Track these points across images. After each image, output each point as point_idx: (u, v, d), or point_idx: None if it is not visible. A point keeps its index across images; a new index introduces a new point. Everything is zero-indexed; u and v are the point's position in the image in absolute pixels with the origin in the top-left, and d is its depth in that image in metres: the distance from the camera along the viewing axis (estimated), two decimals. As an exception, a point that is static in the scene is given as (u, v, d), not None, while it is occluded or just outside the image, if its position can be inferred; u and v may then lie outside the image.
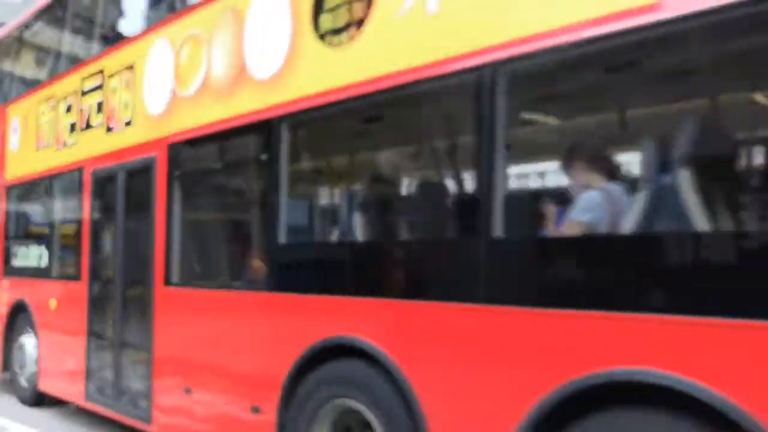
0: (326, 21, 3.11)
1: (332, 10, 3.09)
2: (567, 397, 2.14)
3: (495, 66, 2.38)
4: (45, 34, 6.38)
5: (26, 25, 6.38)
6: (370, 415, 2.87)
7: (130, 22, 5.06)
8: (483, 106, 2.42)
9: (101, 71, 5.10)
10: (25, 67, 6.61)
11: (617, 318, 2.10)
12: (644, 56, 2.41)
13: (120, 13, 5.26)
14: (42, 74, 6.09)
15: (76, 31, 5.79)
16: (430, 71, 2.61)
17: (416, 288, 2.72)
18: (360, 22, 2.93)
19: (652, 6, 2.06)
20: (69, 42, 5.96)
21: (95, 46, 5.46)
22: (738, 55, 2.30)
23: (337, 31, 3.02)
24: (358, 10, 2.95)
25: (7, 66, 6.62)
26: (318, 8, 3.17)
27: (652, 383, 1.98)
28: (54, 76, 5.95)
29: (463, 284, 2.44)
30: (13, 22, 6.86)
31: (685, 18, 1.96)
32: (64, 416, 5.74)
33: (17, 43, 6.65)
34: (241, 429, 3.45)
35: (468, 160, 2.59)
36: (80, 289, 5.16)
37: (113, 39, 5.17)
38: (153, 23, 4.55)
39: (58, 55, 6.07)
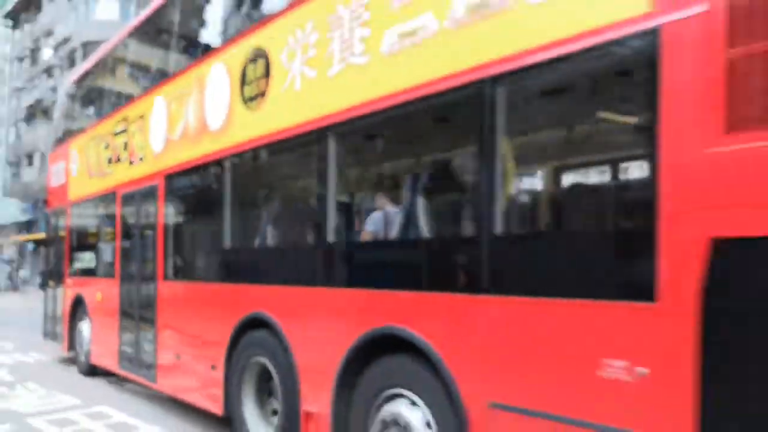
0: (247, 92, 4.69)
1: (250, 84, 4.67)
2: (362, 344, 3.47)
3: (328, 129, 3.86)
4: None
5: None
6: (270, 366, 4.42)
7: (145, 81, 6.87)
8: (323, 156, 3.88)
9: (126, 118, 6.89)
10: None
11: (385, 293, 3.42)
12: (392, 130, 3.83)
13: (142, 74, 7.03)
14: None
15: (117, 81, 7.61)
16: (296, 130, 4.13)
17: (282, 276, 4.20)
18: (263, 94, 4.49)
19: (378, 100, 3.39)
20: (109, 92, 7.82)
21: (123, 100, 7.26)
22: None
23: (252, 99, 4.55)
24: (262, 85, 4.52)
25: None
26: (243, 82, 4.75)
27: (397, 335, 3.30)
28: (98, 120, 7.82)
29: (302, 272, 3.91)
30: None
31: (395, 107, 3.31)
32: (110, 383, 7.71)
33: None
34: (206, 382, 4.98)
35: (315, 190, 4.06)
36: (114, 284, 6.97)
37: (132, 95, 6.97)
38: (155, 85, 6.28)
39: (100, 102, 7.91)
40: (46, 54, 41.09)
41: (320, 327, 3.79)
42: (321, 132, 3.81)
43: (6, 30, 53.58)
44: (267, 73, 4.28)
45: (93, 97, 8.20)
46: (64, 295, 8.38)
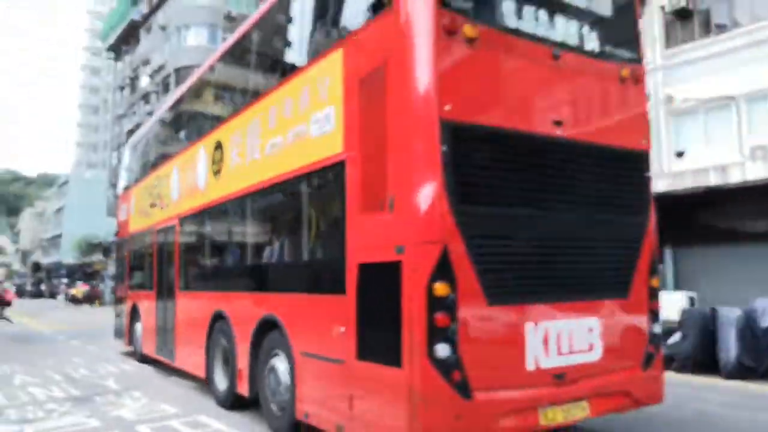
0: (214, 167, 7.57)
1: (215, 162, 7.66)
2: (260, 325, 6.21)
3: (246, 196, 6.52)
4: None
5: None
6: (224, 343, 7.24)
7: (167, 153, 10.12)
8: (244, 211, 6.75)
9: (158, 176, 10.11)
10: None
11: (270, 294, 6.07)
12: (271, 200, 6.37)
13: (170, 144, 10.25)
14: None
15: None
16: (234, 194, 6.71)
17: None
18: (220, 170, 7.39)
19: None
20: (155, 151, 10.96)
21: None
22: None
23: (216, 172, 7.32)
24: (220, 164, 7.50)
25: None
26: (212, 161, 7.71)
27: (269, 319, 5.82)
28: (144, 176, 11.08)
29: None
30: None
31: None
32: (158, 369, 10.58)
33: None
34: (199, 357, 7.77)
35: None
36: (152, 295, 10.19)
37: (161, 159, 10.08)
38: (175, 154, 9.25)
39: (147, 162, 11.10)
40: (144, 81, 45.48)
41: (242, 316, 6.53)
42: (243, 197, 6.66)
43: (109, 62, 60.50)
44: (222, 157, 7.21)
45: (142, 158, 11.59)
46: (126, 305, 11.56)
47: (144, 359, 10.90)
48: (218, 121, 7.56)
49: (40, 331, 17.54)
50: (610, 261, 5.20)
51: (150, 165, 10.71)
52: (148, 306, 10.35)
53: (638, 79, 5.57)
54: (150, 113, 40.20)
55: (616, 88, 5.43)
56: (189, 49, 37.95)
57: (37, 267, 73.73)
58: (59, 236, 65.62)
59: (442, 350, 4.13)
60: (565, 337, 4.84)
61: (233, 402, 6.80)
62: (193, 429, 6.30)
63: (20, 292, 50.60)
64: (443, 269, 4.14)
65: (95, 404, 7.64)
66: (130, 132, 45.26)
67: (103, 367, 10.53)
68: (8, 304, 22.04)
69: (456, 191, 4.21)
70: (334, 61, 5.00)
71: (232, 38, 7.52)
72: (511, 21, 4.76)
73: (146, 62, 44.08)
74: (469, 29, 4.45)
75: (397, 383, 4.13)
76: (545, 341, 4.69)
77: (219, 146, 7.31)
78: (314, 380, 5.07)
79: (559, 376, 4.72)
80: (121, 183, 12.70)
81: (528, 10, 4.86)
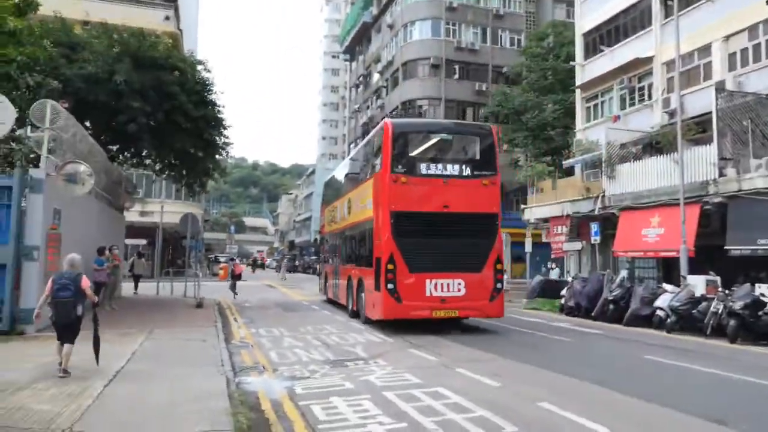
0: (329, 218, 18.72)
1: (331, 211, 18.72)
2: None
3: (344, 229, 17.50)
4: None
5: None
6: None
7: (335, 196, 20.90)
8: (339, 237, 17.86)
9: (333, 207, 21.20)
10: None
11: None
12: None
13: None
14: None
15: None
16: (351, 224, 17.90)
17: None
18: (336, 219, 18.02)
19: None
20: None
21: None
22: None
23: (332, 221, 18.37)
24: (336, 217, 17.99)
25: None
26: (348, 207, 17.98)
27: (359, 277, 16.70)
28: (330, 203, 22.19)
29: None
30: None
31: None
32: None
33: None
34: (345, 295, 18.60)
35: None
36: (332, 266, 21.40)
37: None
38: (339, 197, 20.14)
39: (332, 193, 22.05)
40: (375, 78, 51.19)
41: (354, 275, 16.75)
42: (343, 229, 17.27)
43: (345, 63, 72.30)
44: (348, 208, 17.33)
45: (330, 191, 22.08)
46: (323, 273, 22.78)
47: (329, 300, 21.37)
48: (349, 190, 17.53)
49: (298, 302, 22.33)
50: (472, 257, 13.77)
51: (332, 197, 21.25)
52: (330, 272, 20.89)
53: (494, 183, 14.07)
54: (381, 106, 48.03)
55: (480, 188, 13.96)
56: (414, 44, 43.34)
57: (292, 245, 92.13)
58: (309, 218, 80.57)
59: (389, 286, 13.26)
60: (446, 285, 13.62)
61: (351, 315, 16.44)
62: (434, 399, 6.99)
63: (279, 267, 65.14)
64: (391, 260, 13.22)
65: (348, 369, 8.93)
66: (365, 125, 52.87)
67: (351, 337, 12.80)
68: (239, 278, 26.95)
69: (395, 233, 13.51)
70: (370, 183, 14.83)
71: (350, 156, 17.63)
72: (423, 171, 13.76)
73: (377, 60, 49.59)
74: (403, 179, 13.53)
75: (378, 295, 13.67)
76: (435, 286, 13.54)
77: (349, 201, 17.45)
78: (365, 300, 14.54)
79: (442, 300, 13.53)
80: (321, 204, 23.72)
81: (432, 165, 13.79)
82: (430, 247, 13.92)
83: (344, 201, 18.53)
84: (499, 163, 14.70)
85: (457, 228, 14.08)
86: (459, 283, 14.10)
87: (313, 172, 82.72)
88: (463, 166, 14.48)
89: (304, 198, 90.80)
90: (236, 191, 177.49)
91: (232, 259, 39.65)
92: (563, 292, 20.28)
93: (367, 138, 16.62)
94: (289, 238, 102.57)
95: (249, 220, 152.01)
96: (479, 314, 14.17)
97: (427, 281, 13.92)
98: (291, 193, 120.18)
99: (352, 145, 61.29)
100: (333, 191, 21.93)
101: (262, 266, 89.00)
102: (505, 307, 14.38)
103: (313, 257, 63.66)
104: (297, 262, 75.75)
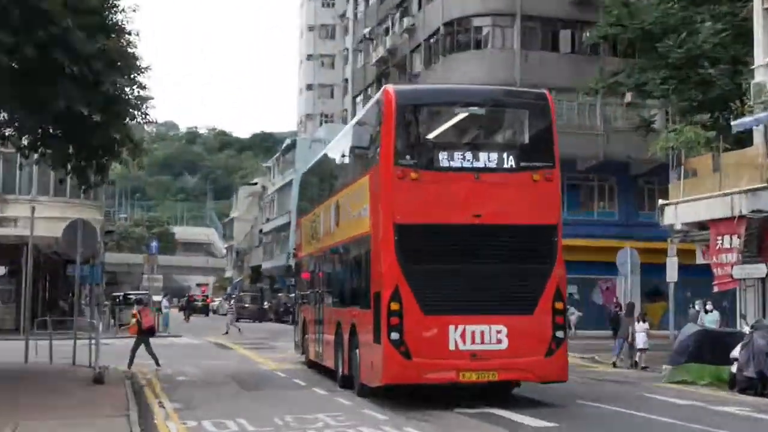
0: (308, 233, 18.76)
1: (311, 223, 19.23)
2: None
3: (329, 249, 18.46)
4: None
5: None
6: None
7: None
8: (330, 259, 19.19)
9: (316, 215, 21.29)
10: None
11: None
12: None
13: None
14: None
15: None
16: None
17: None
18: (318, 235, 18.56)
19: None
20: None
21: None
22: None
23: (313, 237, 18.87)
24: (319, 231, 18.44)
25: None
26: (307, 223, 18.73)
27: None
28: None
29: None
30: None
31: None
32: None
33: None
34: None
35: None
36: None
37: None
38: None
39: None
40: None
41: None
42: (327, 249, 18.23)
43: None
44: (336, 218, 18.12)
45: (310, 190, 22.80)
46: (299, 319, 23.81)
47: (311, 363, 21.87)
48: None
49: (268, 371, 22.72)
50: (518, 291, 14.23)
51: (313, 200, 22.76)
52: (311, 317, 21.90)
53: (550, 178, 14.52)
54: (408, 30, 45.45)
55: (530, 187, 14.41)
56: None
57: (256, 275, 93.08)
58: (286, 227, 75.38)
59: (394, 335, 13.79)
60: (479, 334, 13.98)
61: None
62: None
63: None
64: (396, 296, 13.74)
65: None
66: (381, 64, 50.62)
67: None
68: (150, 334, 23.83)
69: (402, 256, 13.87)
70: (365, 182, 15.43)
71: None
72: (444, 163, 14.35)
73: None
74: (413, 174, 14.10)
75: (377, 350, 14.05)
76: (463, 336, 13.91)
77: (337, 206, 18.34)
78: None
79: (474, 356, 13.96)
80: (297, 212, 25.52)
81: (457, 154, 14.35)
82: (455, 276, 14.24)
83: (329, 207, 18.90)
84: (558, 149, 14.93)
85: (495, 247, 14.44)
86: (499, 331, 14.16)
87: (291, 147, 77.28)
88: (505, 155, 14.75)
89: (277, 191, 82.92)
90: (160, 181, 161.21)
91: (140, 302, 37.82)
92: (735, 352, 17.58)
93: (361, 113, 17.50)
94: (251, 261, 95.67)
95: (182, 232, 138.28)
96: (530, 377, 14.59)
97: (451, 328, 14.07)
98: (254, 183, 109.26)
99: (358, 100, 58.00)
100: (315, 190, 22.26)
101: (205, 310, 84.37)
102: (638, 380, 15.81)
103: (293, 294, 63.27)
104: (266, 303, 72.90)
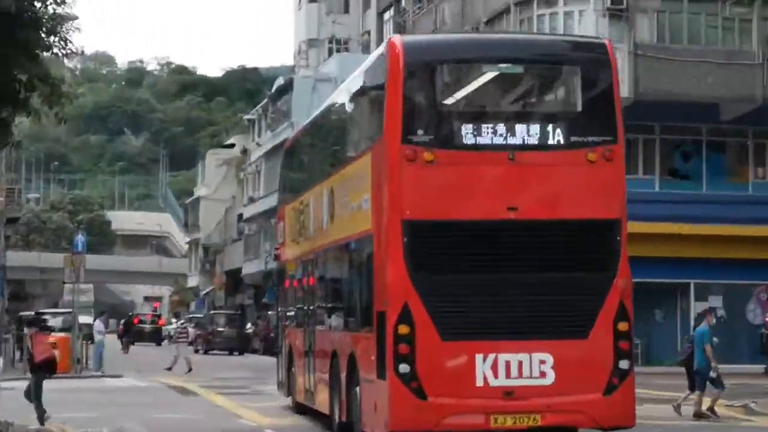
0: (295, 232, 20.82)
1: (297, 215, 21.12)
2: None
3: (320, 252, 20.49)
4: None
5: None
6: None
7: None
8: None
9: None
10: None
11: None
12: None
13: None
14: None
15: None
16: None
17: None
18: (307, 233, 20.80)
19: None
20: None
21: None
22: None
23: (301, 233, 20.96)
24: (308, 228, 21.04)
25: None
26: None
27: None
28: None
29: None
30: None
31: None
32: None
33: None
34: None
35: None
36: None
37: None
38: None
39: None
40: None
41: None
42: (318, 252, 20.26)
43: None
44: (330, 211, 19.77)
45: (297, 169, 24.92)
46: (284, 345, 26.43)
47: (299, 407, 23.45)
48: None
49: (248, 428, 23.13)
50: (567, 309, 15.33)
51: (301, 181, 23.92)
52: (299, 344, 23.47)
53: (610, 157, 15.55)
54: None
55: (583, 169, 15.52)
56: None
57: (236, 284, 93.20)
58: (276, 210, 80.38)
59: (403, 367, 14.88)
60: (516, 365, 15.09)
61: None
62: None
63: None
64: (405, 316, 14.95)
65: None
66: None
67: None
68: (48, 369, 22.16)
69: (412, 263, 14.91)
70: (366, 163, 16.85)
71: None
72: (468, 139, 15.51)
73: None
74: (427, 155, 15.19)
75: (382, 387, 15.17)
76: (494, 367, 15.00)
77: (331, 193, 19.79)
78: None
79: (508, 393, 15.11)
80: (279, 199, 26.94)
81: (485, 127, 15.52)
82: (484, 290, 15.09)
83: (321, 194, 20.51)
84: (621, 117, 15.73)
85: (536, 250, 15.31)
86: (543, 361, 14.96)
87: (286, 89, 77.80)
88: (550, 127, 15.48)
89: (265, 157, 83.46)
90: (89, 144, 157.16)
91: (35, 323, 37.49)
92: None
93: (362, 68, 18.07)
94: (227, 263, 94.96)
95: (123, 219, 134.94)
96: (584, 421, 15.33)
97: (479, 358, 14.91)
98: (230, 145, 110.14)
99: (387, 18, 59.30)
100: (303, 168, 23.81)
101: (156, 336, 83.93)
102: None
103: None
104: (248, 327, 73.04)
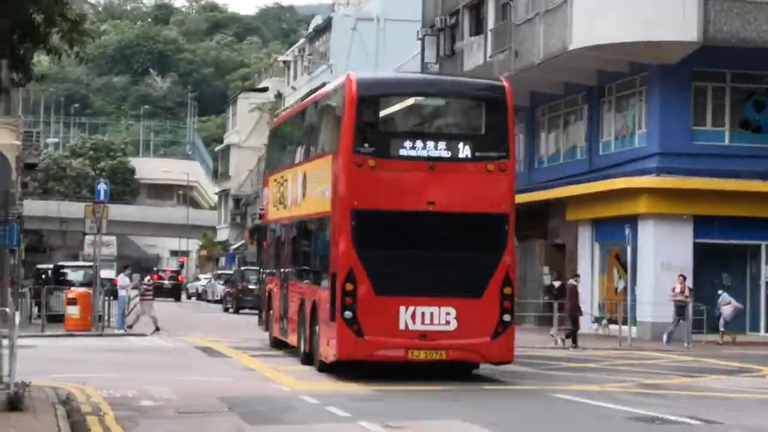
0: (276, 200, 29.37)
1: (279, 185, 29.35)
2: None
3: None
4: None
5: None
6: None
7: None
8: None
9: None
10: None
11: None
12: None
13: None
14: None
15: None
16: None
17: None
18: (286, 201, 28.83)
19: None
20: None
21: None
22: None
23: (280, 201, 29.06)
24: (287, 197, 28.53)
25: None
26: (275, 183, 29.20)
27: None
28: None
29: None
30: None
31: None
32: None
33: None
34: None
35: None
36: None
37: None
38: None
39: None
40: None
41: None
42: (293, 220, 28.15)
43: None
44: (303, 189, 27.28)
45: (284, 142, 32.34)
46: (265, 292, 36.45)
47: (277, 342, 31.02)
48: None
49: (284, 392, 21.52)
50: (468, 275, 22.65)
51: (286, 154, 29.91)
52: (277, 291, 30.53)
53: (504, 169, 23.10)
54: None
55: (483, 177, 23.02)
56: None
57: (258, 234, 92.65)
58: None
59: (347, 314, 22.33)
60: (429, 315, 22.62)
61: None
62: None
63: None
64: (350, 277, 22.51)
65: None
66: None
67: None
68: None
69: (357, 240, 22.08)
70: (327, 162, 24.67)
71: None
72: (402, 152, 22.87)
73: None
74: (371, 162, 22.86)
75: (333, 328, 22.71)
76: (413, 316, 22.48)
77: (304, 176, 26.62)
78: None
79: (423, 336, 23.05)
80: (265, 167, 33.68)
81: (414, 143, 22.90)
82: (408, 260, 21.88)
83: (297, 174, 27.51)
84: (513, 139, 23.27)
85: (447, 234, 22.13)
86: (448, 313, 21.67)
87: (324, 28, 77.95)
88: (460, 144, 22.47)
89: (302, 101, 77.70)
90: (112, 85, 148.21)
91: None
92: None
93: (319, 92, 26.32)
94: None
95: (148, 167, 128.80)
96: (477, 357, 22.85)
97: (402, 309, 21.63)
98: (263, 89, 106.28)
99: None
100: (286, 147, 30.64)
101: (176, 292, 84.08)
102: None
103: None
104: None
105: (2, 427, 14.38)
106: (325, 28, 75.45)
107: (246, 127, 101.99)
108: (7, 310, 18.24)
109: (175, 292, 78.31)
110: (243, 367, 26.87)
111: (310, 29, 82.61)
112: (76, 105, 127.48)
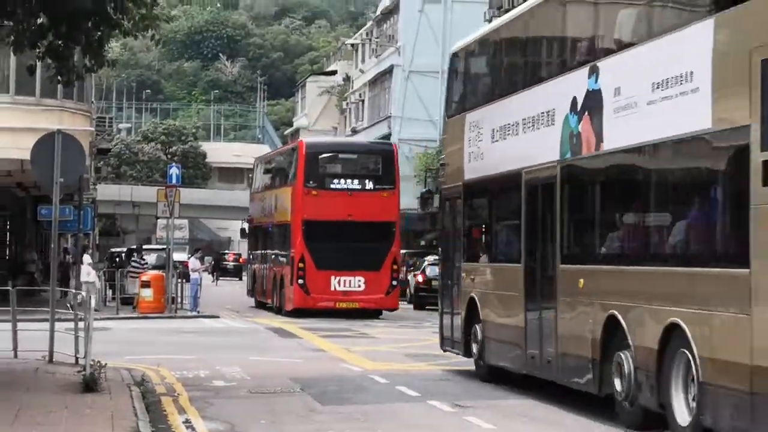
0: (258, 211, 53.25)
1: (260, 200, 52.83)
2: None
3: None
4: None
5: None
6: None
7: None
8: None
9: None
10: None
11: None
12: None
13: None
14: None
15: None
16: None
17: None
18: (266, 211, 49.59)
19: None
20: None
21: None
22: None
23: (261, 212, 53.41)
24: (266, 208, 51.76)
25: None
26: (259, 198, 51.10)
27: None
28: None
29: None
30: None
31: None
32: None
33: None
34: None
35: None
36: None
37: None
38: None
39: None
40: None
41: None
42: (269, 224, 50.28)
43: None
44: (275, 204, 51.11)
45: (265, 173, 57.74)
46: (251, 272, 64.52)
47: (258, 303, 56.93)
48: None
49: (360, 374, 21.86)
50: (371, 258, 48.75)
51: (267, 180, 49.89)
52: (259, 271, 54.77)
53: (392, 195, 49.54)
54: None
55: (380, 199, 49.26)
56: None
57: None
58: (387, 137, 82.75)
59: (300, 281, 47.83)
60: (348, 281, 51.41)
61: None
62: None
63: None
64: (302, 259, 47.59)
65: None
66: None
67: None
68: None
69: (306, 237, 47.41)
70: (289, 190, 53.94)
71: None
72: (332, 185, 48.80)
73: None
74: (314, 192, 49.21)
75: (291, 289, 51.80)
76: (339, 282, 50.27)
77: (275, 197, 46.69)
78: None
79: (344, 294, 52.59)
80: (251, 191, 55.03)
81: (340, 180, 48.81)
82: (336, 249, 46.56)
83: (272, 195, 55.04)
84: (399, 178, 49.48)
85: (359, 233, 46.84)
86: (359, 280, 46.16)
87: (391, 11, 79.58)
88: (366, 181, 48.62)
89: (369, 85, 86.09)
90: (182, 71, 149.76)
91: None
92: None
93: (284, 148, 53.99)
94: None
95: (218, 151, 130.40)
96: (376, 306, 48.26)
97: (332, 278, 45.79)
98: (331, 72, 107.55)
99: None
100: (264, 177, 54.45)
101: (238, 273, 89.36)
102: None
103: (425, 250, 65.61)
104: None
105: (78, 407, 14.99)
106: (393, 10, 74.89)
107: (315, 110, 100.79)
108: (82, 293, 20.13)
109: (237, 272, 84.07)
110: (314, 348, 28.57)
111: (378, 12, 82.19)
112: (148, 90, 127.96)
